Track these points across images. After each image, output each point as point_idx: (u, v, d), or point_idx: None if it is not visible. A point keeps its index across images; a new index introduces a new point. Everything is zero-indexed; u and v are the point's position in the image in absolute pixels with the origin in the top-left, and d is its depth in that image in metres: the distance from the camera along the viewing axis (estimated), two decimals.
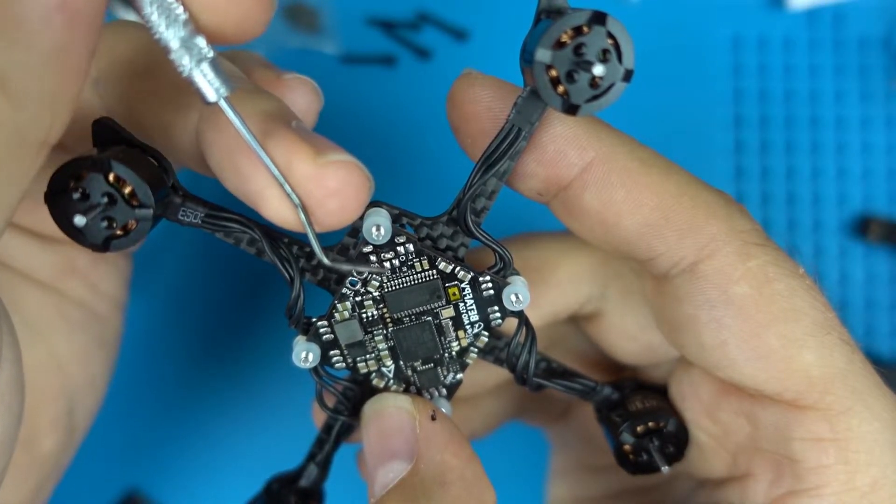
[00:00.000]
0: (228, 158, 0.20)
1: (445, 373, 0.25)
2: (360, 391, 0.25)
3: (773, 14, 0.42)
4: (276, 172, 0.19)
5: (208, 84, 0.18)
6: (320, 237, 0.20)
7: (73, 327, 0.27)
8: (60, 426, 0.26)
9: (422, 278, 0.23)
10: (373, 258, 0.23)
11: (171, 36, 0.17)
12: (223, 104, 0.18)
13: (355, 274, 0.23)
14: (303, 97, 0.24)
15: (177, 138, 0.22)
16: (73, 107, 0.18)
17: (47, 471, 0.26)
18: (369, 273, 0.23)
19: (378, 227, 0.22)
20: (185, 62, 0.18)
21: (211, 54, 0.18)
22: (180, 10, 0.17)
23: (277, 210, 0.20)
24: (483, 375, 0.29)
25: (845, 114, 0.42)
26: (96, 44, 0.17)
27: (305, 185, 0.19)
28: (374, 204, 0.23)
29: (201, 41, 0.18)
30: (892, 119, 0.42)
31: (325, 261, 0.21)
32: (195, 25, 0.18)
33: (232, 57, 0.24)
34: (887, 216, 0.41)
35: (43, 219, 0.20)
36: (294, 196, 0.19)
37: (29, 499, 0.26)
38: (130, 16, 0.38)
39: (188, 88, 0.22)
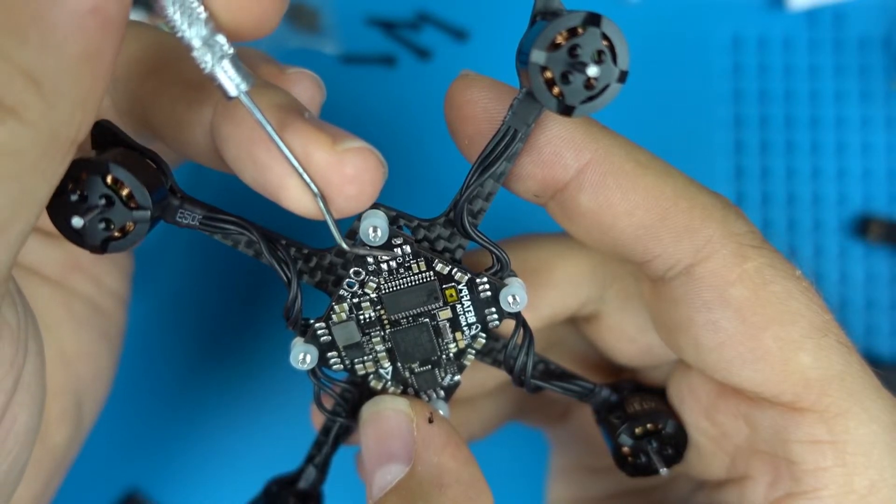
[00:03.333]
0: (246, 151, 0.20)
1: (443, 374, 0.25)
2: (358, 393, 0.25)
3: (773, 14, 0.42)
4: (295, 162, 0.19)
5: (229, 80, 0.18)
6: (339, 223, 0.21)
7: (79, 322, 0.27)
8: (69, 420, 0.27)
9: (419, 280, 0.23)
10: (370, 260, 0.23)
11: (194, 35, 0.18)
12: (244, 98, 0.19)
13: (373, 260, 0.23)
14: (306, 90, 0.24)
15: (189, 134, 0.22)
16: (99, 105, 0.18)
17: (57, 464, 0.27)
18: (389, 259, 0.23)
19: (375, 228, 0.22)
20: (207, 59, 0.18)
21: (231, 51, 0.18)
22: (201, 9, 0.18)
23: (297, 199, 0.20)
24: (481, 377, 0.29)
25: (845, 114, 0.42)
26: (122, 45, 0.18)
27: (324, 173, 0.20)
28: (371, 205, 0.23)
29: (222, 39, 0.18)
30: (892, 119, 0.41)
31: (345, 247, 0.22)
32: (215, 24, 0.18)
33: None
34: (887, 216, 0.41)
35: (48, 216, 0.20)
36: (313, 185, 0.20)
37: (40, 491, 0.26)
38: (135, 16, 0.38)
39: (199, 85, 0.22)
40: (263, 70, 0.24)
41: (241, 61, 0.19)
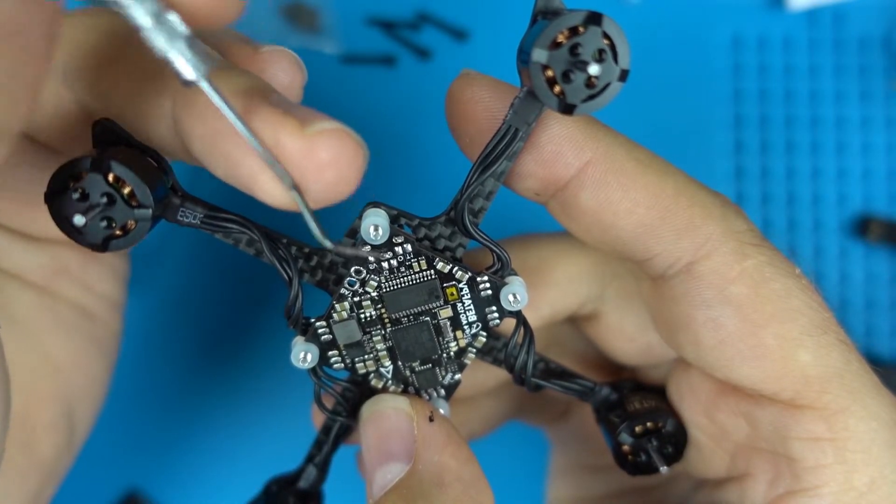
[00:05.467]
0: (213, 145, 0.19)
1: (444, 373, 0.25)
2: (359, 392, 0.25)
3: (773, 14, 0.42)
4: (263, 150, 0.18)
5: (185, 63, 0.17)
6: (320, 216, 0.19)
7: (67, 329, 0.27)
8: (59, 429, 0.26)
9: (420, 278, 0.23)
10: (371, 258, 0.23)
11: (142, 14, 0.16)
12: (203, 84, 0.17)
13: (362, 261, 0.22)
14: (284, 71, 0.22)
15: (153, 128, 0.21)
16: (36, 93, 0.17)
17: (47, 474, 0.26)
18: (374, 259, 0.22)
19: (376, 227, 0.22)
20: (159, 41, 0.17)
21: (186, 31, 0.17)
22: None
23: (272, 192, 0.19)
24: (482, 376, 0.29)
25: (845, 114, 0.42)
26: (57, 25, 0.16)
27: (297, 161, 0.18)
28: (372, 204, 0.23)
29: (174, 18, 0.17)
30: (892, 119, 0.41)
31: (327, 244, 0.20)
32: (167, 2, 0.17)
33: (205, 34, 0.23)
34: (887, 216, 0.41)
35: (32, 220, 0.20)
36: (286, 176, 0.18)
37: (30, 502, 0.26)
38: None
39: (158, 75, 0.20)
40: (235, 50, 0.22)
41: (203, 42, 0.17)
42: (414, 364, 0.25)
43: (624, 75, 0.19)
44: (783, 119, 0.42)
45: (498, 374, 0.29)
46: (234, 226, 0.22)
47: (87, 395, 0.28)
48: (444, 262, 0.23)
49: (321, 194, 0.19)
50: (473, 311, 0.24)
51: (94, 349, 0.28)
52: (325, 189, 0.19)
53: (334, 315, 0.23)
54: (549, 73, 0.19)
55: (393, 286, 0.23)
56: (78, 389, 0.27)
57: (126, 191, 0.20)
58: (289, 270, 0.23)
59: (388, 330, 0.24)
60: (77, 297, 0.27)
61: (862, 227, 0.41)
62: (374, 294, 0.23)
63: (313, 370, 0.24)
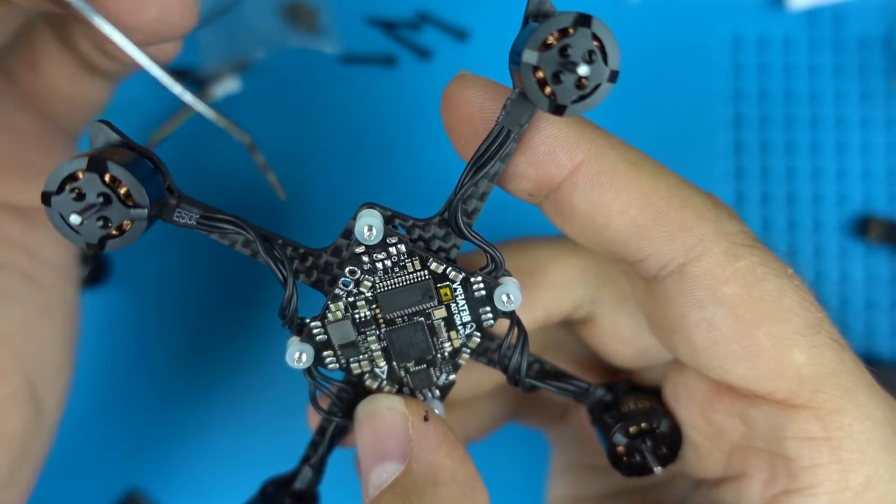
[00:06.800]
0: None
1: (438, 374, 0.25)
2: (354, 392, 0.25)
3: (773, 14, 0.42)
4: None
5: None
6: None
7: (12, 298, 0.26)
8: (22, 402, 0.26)
9: (414, 279, 0.23)
10: (365, 259, 0.23)
11: None
12: None
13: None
14: None
15: None
16: None
17: (16, 452, 0.26)
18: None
19: (370, 227, 0.22)
20: None
21: None
22: None
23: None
24: (479, 379, 0.29)
25: (845, 114, 0.42)
26: None
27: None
28: (366, 205, 0.23)
29: None
30: (892, 119, 0.41)
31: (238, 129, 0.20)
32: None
33: None
34: (887, 216, 0.41)
35: None
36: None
37: (3, 478, 0.25)
38: None
39: None
40: None
41: None
42: (409, 364, 0.25)
43: (614, 76, 0.19)
44: (783, 119, 0.42)
45: (495, 378, 0.29)
46: (229, 227, 0.22)
47: (46, 368, 0.27)
48: (437, 262, 0.23)
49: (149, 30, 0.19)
50: (467, 312, 0.24)
51: (43, 318, 0.27)
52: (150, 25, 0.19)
53: (329, 315, 0.23)
54: (540, 74, 0.19)
55: (387, 286, 0.23)
56: (33, 361, 0.27)
57: (122, 191, 0.20)
58: (284, 271, 0.23)
59: (382, 330, 0.24)
60: (20, 265, 0.26)
61: (862, 227, 0.41)
62: (369, 294, 0.23)
63: (308, 370, 0.24)
